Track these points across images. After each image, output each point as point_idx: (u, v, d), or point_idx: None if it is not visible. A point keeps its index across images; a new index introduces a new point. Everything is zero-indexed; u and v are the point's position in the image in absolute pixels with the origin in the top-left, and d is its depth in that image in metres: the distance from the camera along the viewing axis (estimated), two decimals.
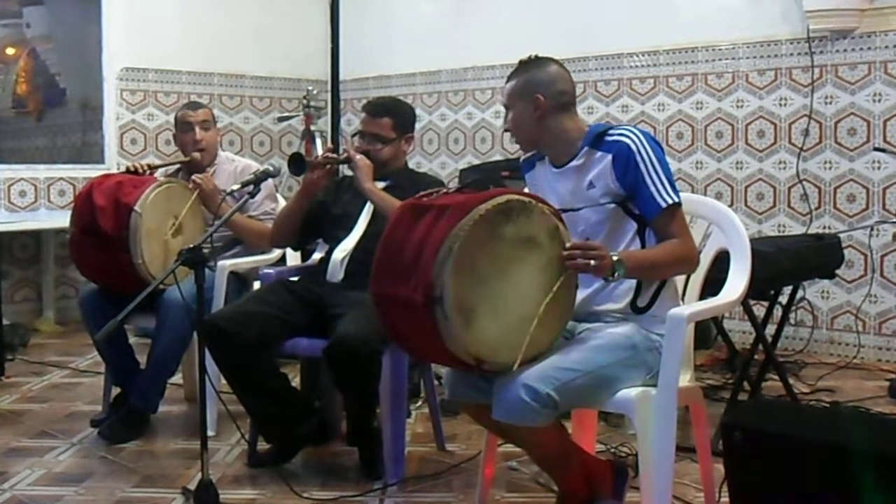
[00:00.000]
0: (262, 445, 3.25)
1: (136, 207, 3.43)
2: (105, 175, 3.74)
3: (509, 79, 2.63)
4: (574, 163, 2.56)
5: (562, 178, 2.59)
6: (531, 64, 2.62)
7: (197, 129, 3.88)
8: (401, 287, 2.27)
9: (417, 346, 2.47)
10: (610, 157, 2.48)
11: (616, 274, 2.32)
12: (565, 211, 2.47)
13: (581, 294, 2.46)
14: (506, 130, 2.68)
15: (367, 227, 3.28)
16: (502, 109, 2.70)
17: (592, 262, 2.28)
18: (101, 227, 3.43)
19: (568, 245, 2.31)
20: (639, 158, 2.45)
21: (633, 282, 2.49)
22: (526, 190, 2.73)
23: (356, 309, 2.97)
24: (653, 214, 2.46)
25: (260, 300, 3.20)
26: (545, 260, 2.31)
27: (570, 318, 2.44)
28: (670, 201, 2.44)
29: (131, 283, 3.25)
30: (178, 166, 4.01)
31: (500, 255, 2.27)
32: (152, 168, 3.82)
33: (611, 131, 2.53)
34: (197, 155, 3.88)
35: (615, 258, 2.31)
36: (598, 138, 2.53)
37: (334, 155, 3.37)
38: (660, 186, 2.44)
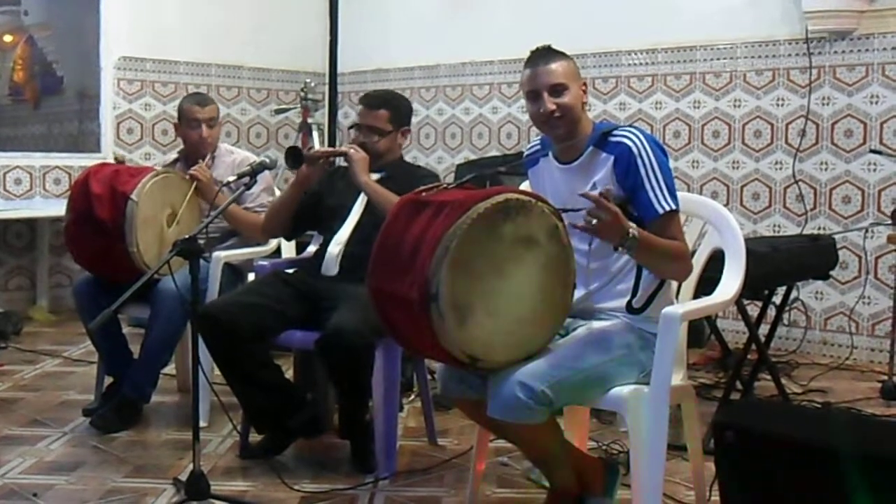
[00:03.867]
0: (254, 437, 3.25)
1: (133, 196, 3.42)
2: (102, 163, 3.75)
3: (552, 60, 2.52)
4: (579, 161, 2.55)
5: (565, 176, 2.58)
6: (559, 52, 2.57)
7: (204, 127, 3.86)
8: (397, 283, 2.27)
9: (413, 343, 2.47)
10: (612, 158, 2.48)
11: (626, 243, 2.29)
12: (566, 210, 2.43)
13: (578, 292, 2.45)
14: (552, 112, 2.50)
15: (360, 217, 3.28)
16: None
17: (603, 215, 2.23)
18: (98, 214, 3.42)
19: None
20: (640, 162, 2.44)
21: (631, 282, 2.50)
22: (526, 184, 2.73)
23: (350, 301, 2.97)
24: (649, 219, 2.44)
25: (255, 292, 3.20)
26: (544, 259, 2.31)
27: (567, 316, 2.44)
28: (668, 208, 2.43)
29: (126, 272, 3.25)
30: (176, 156, 4.02)
31: (497, 253, 2.26)
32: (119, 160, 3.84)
33: (615, 132, 2.51)
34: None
35: (631, 229, 2.28)
36: (602, 138, 2.52)
37: (330, 149, 3.38)
38: (658, 192, 2.43)
